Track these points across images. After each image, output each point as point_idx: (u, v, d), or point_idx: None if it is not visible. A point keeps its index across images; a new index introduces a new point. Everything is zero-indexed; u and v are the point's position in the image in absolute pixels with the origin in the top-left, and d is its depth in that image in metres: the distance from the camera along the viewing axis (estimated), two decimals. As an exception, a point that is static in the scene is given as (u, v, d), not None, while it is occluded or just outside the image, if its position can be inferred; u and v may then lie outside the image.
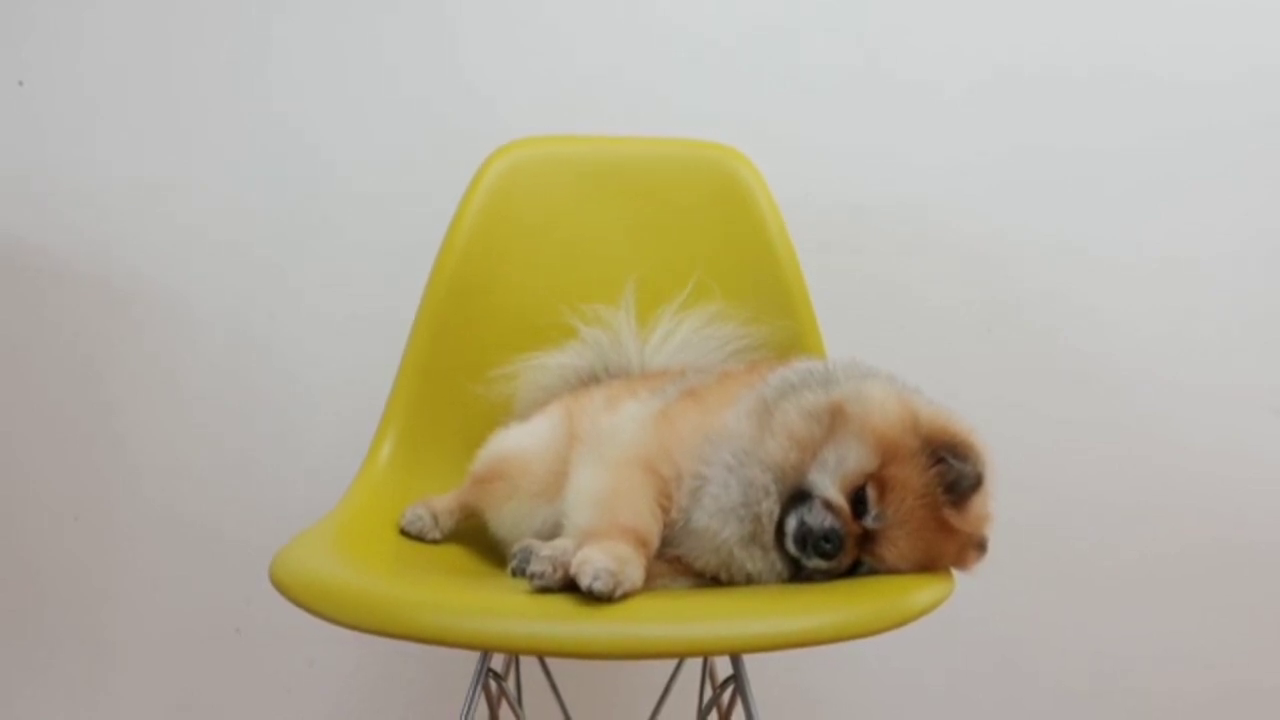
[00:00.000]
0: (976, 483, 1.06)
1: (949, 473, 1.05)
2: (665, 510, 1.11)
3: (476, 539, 1.38)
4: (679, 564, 1.12)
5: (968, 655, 1.93)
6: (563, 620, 0.95)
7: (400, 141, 1.87)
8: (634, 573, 0.99)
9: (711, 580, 1.12)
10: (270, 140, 1.89)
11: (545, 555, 1.02)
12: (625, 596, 0.97)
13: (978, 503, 1.08)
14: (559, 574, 1.00)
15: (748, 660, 1.15)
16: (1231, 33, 1.82)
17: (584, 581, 0.95)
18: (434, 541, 1.35)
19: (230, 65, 1.88)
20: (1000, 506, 1.11)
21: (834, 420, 1.08)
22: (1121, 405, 1.88)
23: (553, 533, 1.22)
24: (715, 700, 1.28)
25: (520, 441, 1.39)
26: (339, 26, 1.87)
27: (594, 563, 0.96)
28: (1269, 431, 1.87)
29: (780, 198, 1.58)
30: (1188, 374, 1.87)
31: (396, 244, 1.85)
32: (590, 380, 1.50)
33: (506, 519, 1.33)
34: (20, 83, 1.88)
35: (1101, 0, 1.82)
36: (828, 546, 1.04)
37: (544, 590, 1.00)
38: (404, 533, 1.35)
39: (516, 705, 1.22)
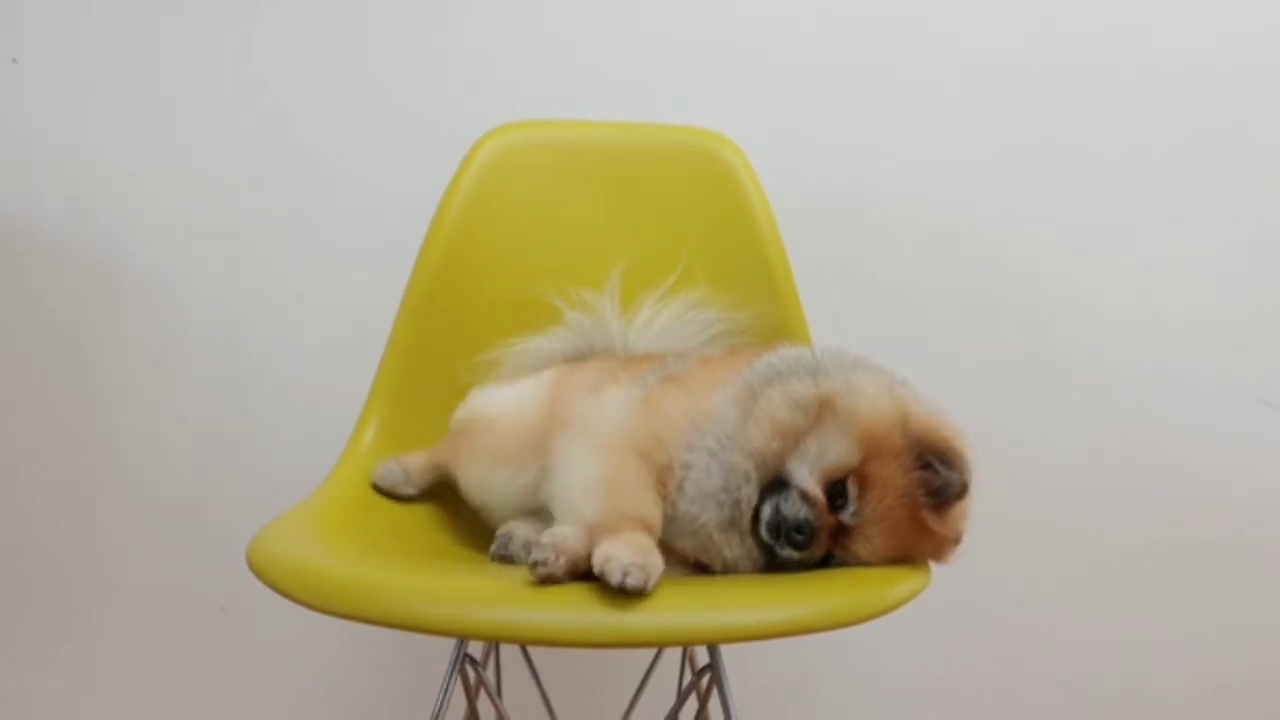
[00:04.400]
0: (961, 492, 1.05)
1: (934, 479, 1.04)
2: (664, 499, 1.10)
3: (458, 518, 1.38)
4: (662, 548, 1.11)
5: (954, 648, 1.94)
6: (538, 608, 0.94)
7: (387, 126, 1.86)
8: (657, 561, 0.97)
9: (694, 565, 1.12)
10: (257, 125, 1.88)
11: (547, 543, 0.99)
12: (654, 589, 0.95)
13: (959, 507, 1.07)
14: (562, 561, 0.97)
15: (727, 649, 1.15)
16: (1225, 28, 1.81)
17: (614, 579, 0.92)
18: (407, 498, 1.35)
19: (220, 50, 1.87)
20: (989, 499, 1.10)
21: (821, 411, 1.07)
22: (1110, 396, 1.88)
23: (518, 501, 1.22)
24: (693, 686, 1.28)
25: (492, 402, 1.39)
26: (326, 13, 1.86)
27: (620, 559, 0.94)
28: (1259, 423, 1.87)
29: (767, 184, 1.57)
30: (1178, 365, 1.86)
31: (382, 229, 1.84)
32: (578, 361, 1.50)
33: (471, 478, 1.33)
34: (14, 60, 1.87)
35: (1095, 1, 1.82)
36: (799, 537, 1.04)
37: (548, 580, 0.97)
38: (376, 488, 1.35)
39: (495, 694, 1.22)
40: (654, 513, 1.06)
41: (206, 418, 1.93)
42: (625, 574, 0.92)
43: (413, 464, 1.37)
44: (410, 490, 1.35)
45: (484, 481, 1.29)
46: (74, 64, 1.87)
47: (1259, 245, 1.85)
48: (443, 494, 1.41)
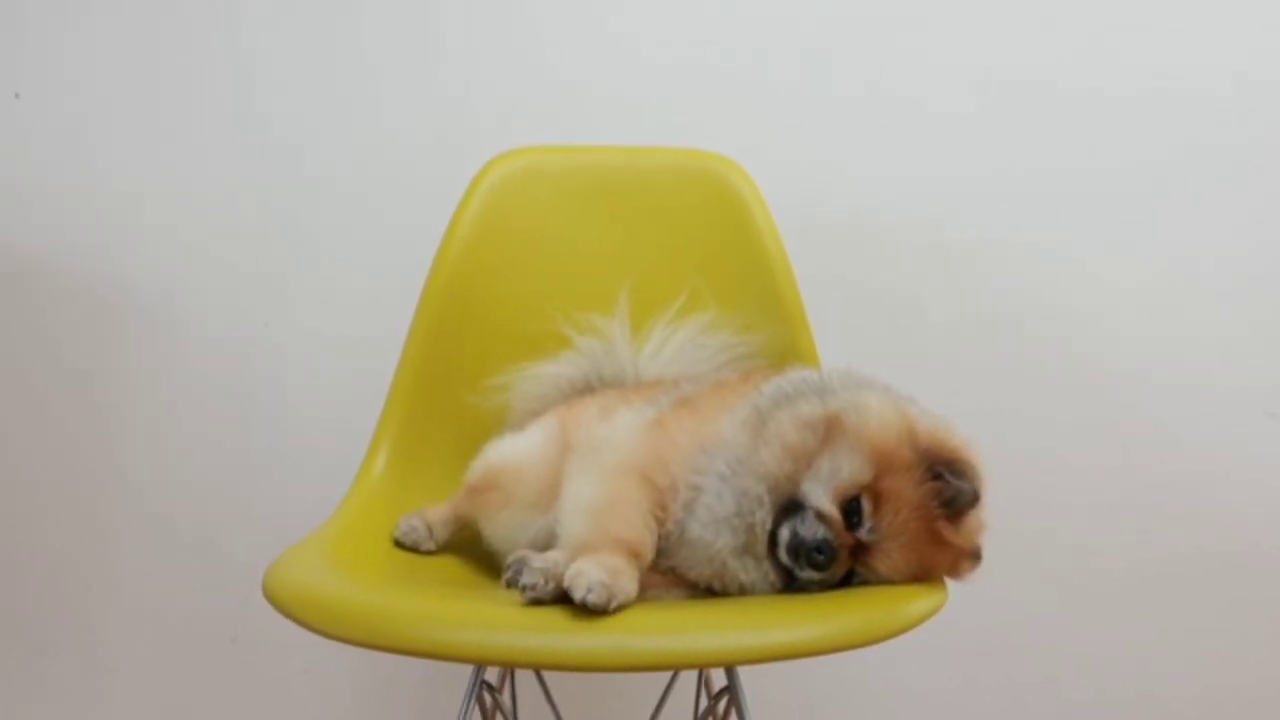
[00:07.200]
0: (973, 500, 1.05)
1: (946, 489, 1.05)
2: (661, 522, 1.10)
3: (471, 549, 1.37)
4: (672, 575, 1.12)
5: (965, 663, 1.93)
6: (556, 633, 0.95)
7: (393, 152, 1.88)
8: (627, 585, 0.99)
9: (705, 591, 1.12)
10: (263, 152, 1.89)
11: (537, 567, 1.02)
12: (620, 609, 0.97)
13: (973, 517, 1.07)
14: (551, 586, 1.00)
15: (743, 670, 1.15)
16: (1224, 48, 1.82)
17: (578, 594, 0.95)
18: (429, 553, 1.35)
19: (222, 80, 1.89)
20: (999, 514, 1.11)
21: (830, 431, 1.08)
22: (1119, 411, 1.88)
23: (547, 543, 1.21)
24: (710, 710, 1.27)
25: (515, 451, 1.39)
26: (331, 43, 1.87)
27: (587, 575, 0.96)
28: (1263, 435, 1.87)
29: (775, 206, 1.58)
30: (1185, 379, 1.87)
31: (390, 255, 1.85)
32: (585, 390, 1.50)
33: (500, 529, 1.33)
34: (17, 95, 1.89)
35: (1096, 18, 1.82)
36: (820, 558, 1.04)
37: (536, 602, 1.00)
38: (398, 544, 1.35)
39: (511, 718, 1.22)
40: (643, 536, 1.07)
41: (217, 444, 1.93)
42: (588, 590, 0.95)
43: (434, 518, 1.37)
44: (432, 546, 1.36)
45: (521, 529, 1.29)
46: (75, 96, 1.89)
47: (1267, 260, 1.85)
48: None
